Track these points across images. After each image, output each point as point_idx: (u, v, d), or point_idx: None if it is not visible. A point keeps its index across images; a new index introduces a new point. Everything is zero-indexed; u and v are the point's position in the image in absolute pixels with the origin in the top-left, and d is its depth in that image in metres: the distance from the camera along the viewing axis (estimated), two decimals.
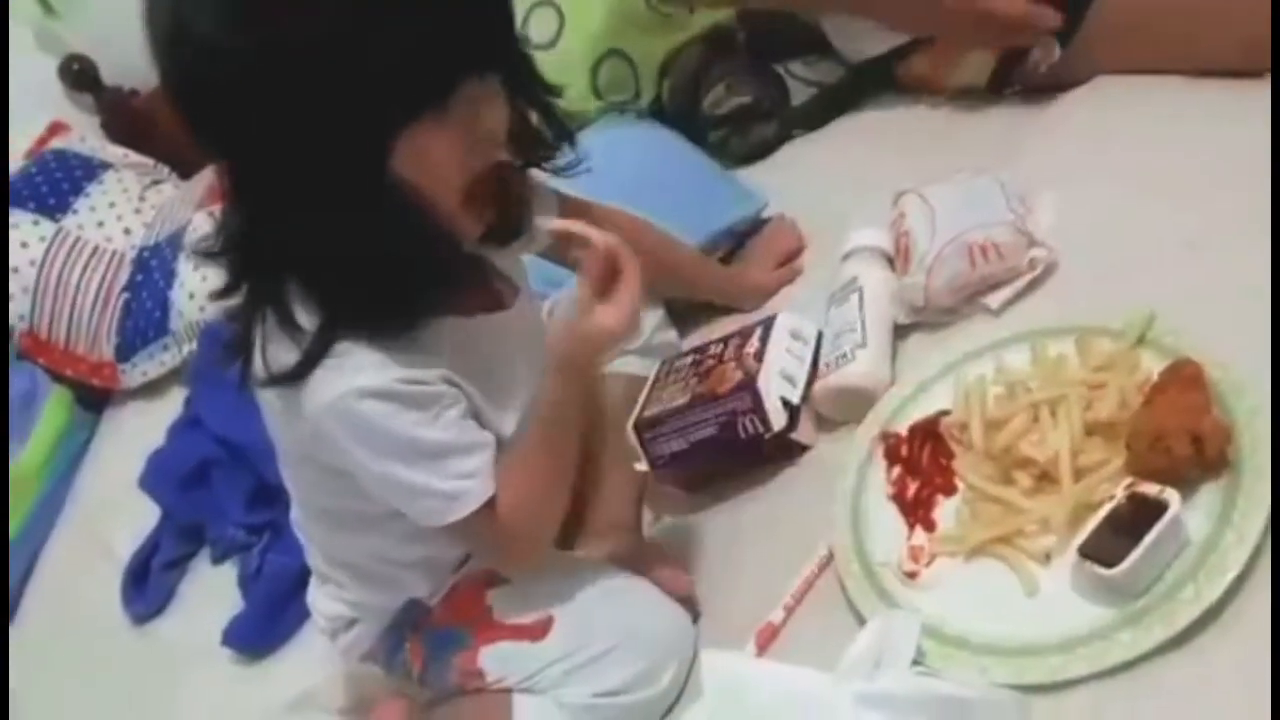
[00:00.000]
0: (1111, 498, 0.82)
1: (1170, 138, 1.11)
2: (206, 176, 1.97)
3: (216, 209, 1.83)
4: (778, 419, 1.04)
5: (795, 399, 1.05)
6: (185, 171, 2.17)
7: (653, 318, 1.21)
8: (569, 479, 0.97)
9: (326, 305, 0.86)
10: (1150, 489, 0.81)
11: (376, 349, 0.86)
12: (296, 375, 0.86)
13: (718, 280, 1.27)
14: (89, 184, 1.83)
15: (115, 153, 1.96)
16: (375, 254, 0.84)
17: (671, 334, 1.24)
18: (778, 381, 1.05)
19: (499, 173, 0.91)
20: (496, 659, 0.98)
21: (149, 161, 2.11)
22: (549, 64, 1.49)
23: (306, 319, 0.86)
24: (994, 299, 1.05)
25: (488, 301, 0.97)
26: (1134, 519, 0.80)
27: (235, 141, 0.84)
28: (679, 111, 1.48)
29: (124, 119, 2.03)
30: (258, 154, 0.83)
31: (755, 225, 1.35)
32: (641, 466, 1.11)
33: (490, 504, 0.90)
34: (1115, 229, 1.06)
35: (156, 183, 2.13)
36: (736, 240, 1.33)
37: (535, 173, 1.02)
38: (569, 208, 1.08)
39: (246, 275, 0.88)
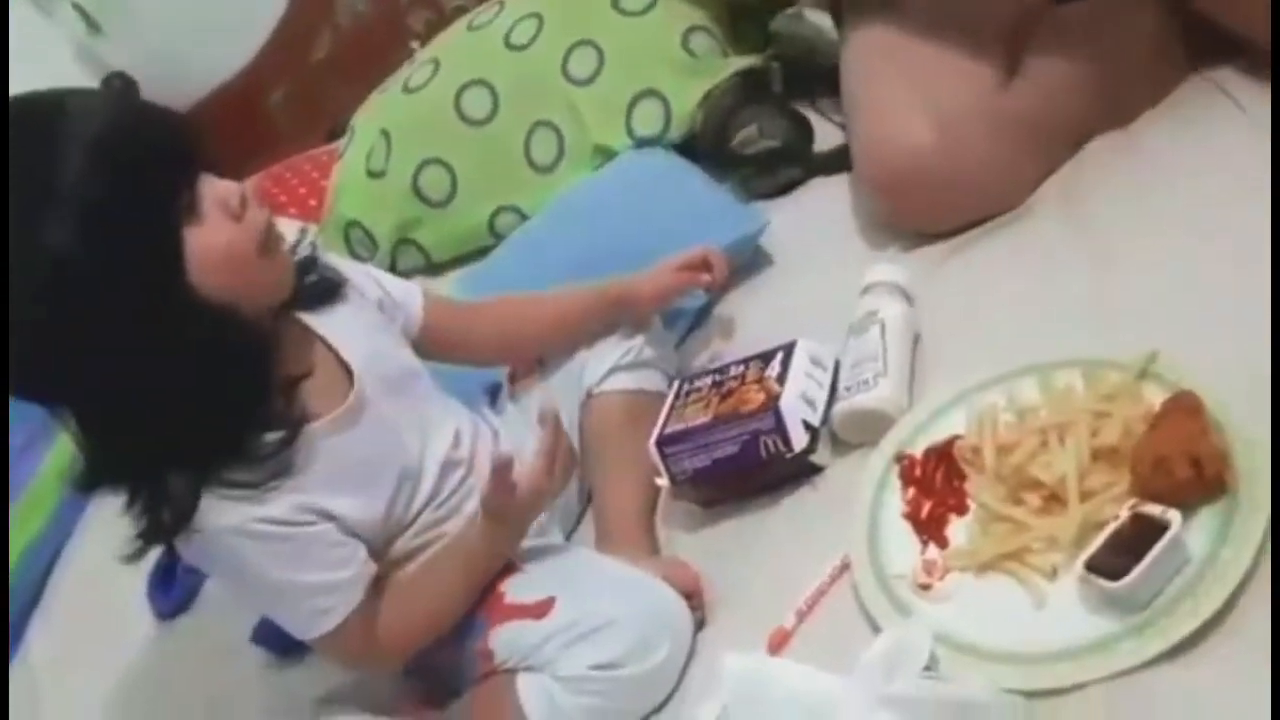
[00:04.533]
0: (1116, 517, 0.88)
1: (1174, 178, 1.18)
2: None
3: None
4: (799, 440, 1.09)
5: (816, 421, 1.10)
6: None
7: (638, 337, 1.26)
8: (459, 614, 1.08)
9: (178, 463, 0.97)
10: (1153, 509, 0.86)
11: (234, 488, 0.98)
12: (175, 530, 0.99)
13: (615, 307, 1.26)
14: None
15: None
16: (211, 381, 0.96)
17: (661, 350, 1.28)
18: (799, 404, 1.10)
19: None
20: (504, 640, 1.05)
21: None
22: (586, 100, 1.58)
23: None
24: None
25: (327, 403, 1.05)
26: (1137, 537, 0.85)
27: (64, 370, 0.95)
28: (708, 146, 1.54)
29: None
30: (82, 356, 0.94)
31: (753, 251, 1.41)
32: (662, 481, 1.16)
33: (341, 630, 1.02)
34: (1120, 269, 1.12)
35: None
36: (737, 259, 1.38)
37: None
38: (434, 307, 1.21)
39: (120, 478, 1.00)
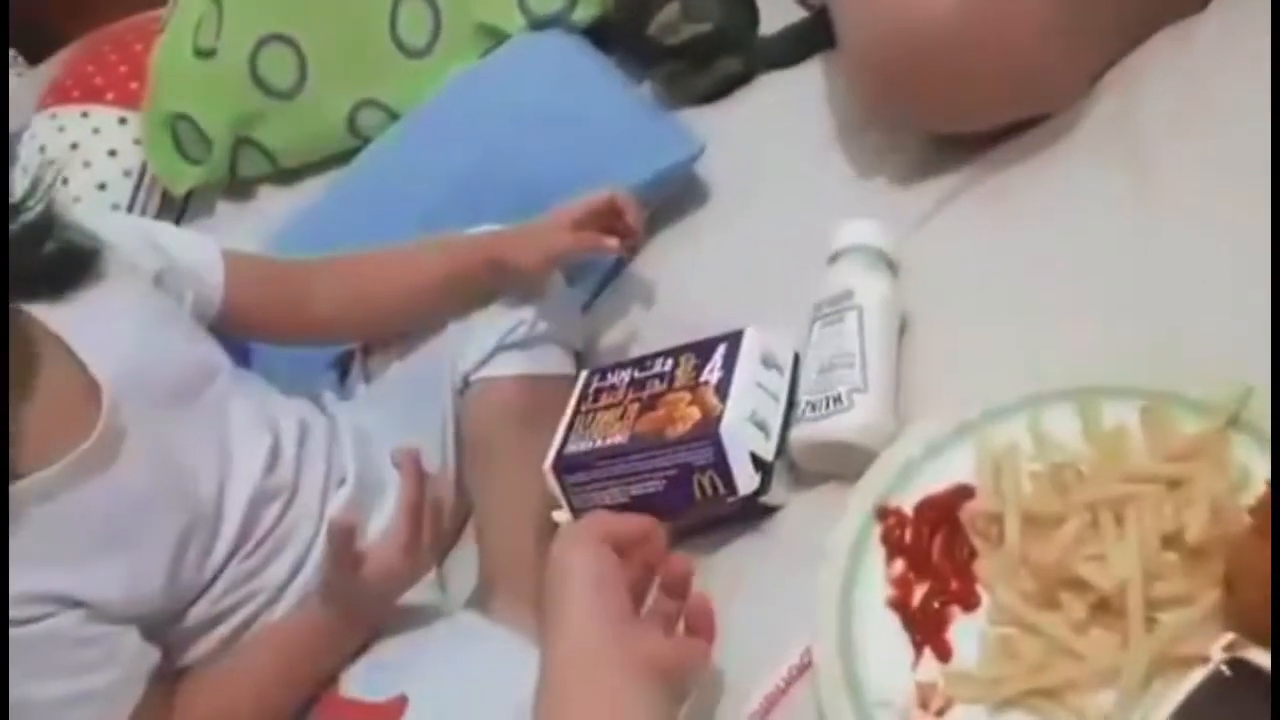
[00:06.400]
0: (1205, 659, 0.61)
1: (1232, 91, 0.89)
2: (55, 64, 1.69)
3: (59, 111, 1.54)
4: (746, 481, 0.80)
5: (768, 454, 0.81)
6: (33, 54, 1.86)
7: (528, 308, 0.97)
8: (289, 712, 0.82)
9: None
10: (1262, 658, 0.59)
11: None
12: None
13: (491, 270, 0.97)
14: None
15: None
16: None
17: (563, 317, 0.99)
18: (746, 429, 0.81)
19: None
20: None
21: None
22: None
23: None
24: None
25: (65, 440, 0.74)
26: (1238, 699, 0.59)
27: None
28: (625, 32, 1.20)
29: None
30: None
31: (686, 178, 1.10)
32: (563, 516, 0.87)
33: None
34: (1173, 232, 0.83)
35: None
36: (664, 193, 1.08)
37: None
38: (241, 273, 0.90)
39: None
